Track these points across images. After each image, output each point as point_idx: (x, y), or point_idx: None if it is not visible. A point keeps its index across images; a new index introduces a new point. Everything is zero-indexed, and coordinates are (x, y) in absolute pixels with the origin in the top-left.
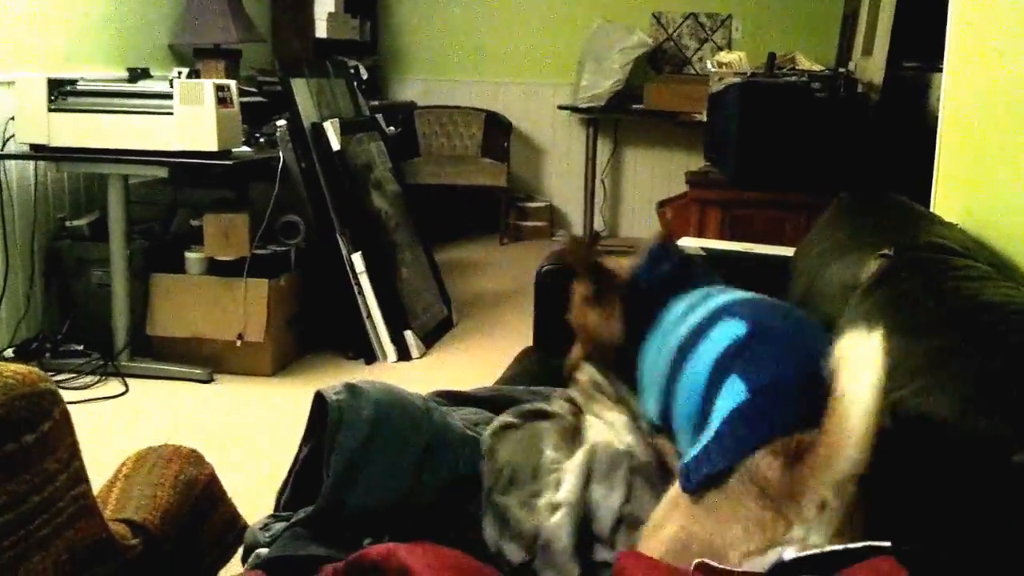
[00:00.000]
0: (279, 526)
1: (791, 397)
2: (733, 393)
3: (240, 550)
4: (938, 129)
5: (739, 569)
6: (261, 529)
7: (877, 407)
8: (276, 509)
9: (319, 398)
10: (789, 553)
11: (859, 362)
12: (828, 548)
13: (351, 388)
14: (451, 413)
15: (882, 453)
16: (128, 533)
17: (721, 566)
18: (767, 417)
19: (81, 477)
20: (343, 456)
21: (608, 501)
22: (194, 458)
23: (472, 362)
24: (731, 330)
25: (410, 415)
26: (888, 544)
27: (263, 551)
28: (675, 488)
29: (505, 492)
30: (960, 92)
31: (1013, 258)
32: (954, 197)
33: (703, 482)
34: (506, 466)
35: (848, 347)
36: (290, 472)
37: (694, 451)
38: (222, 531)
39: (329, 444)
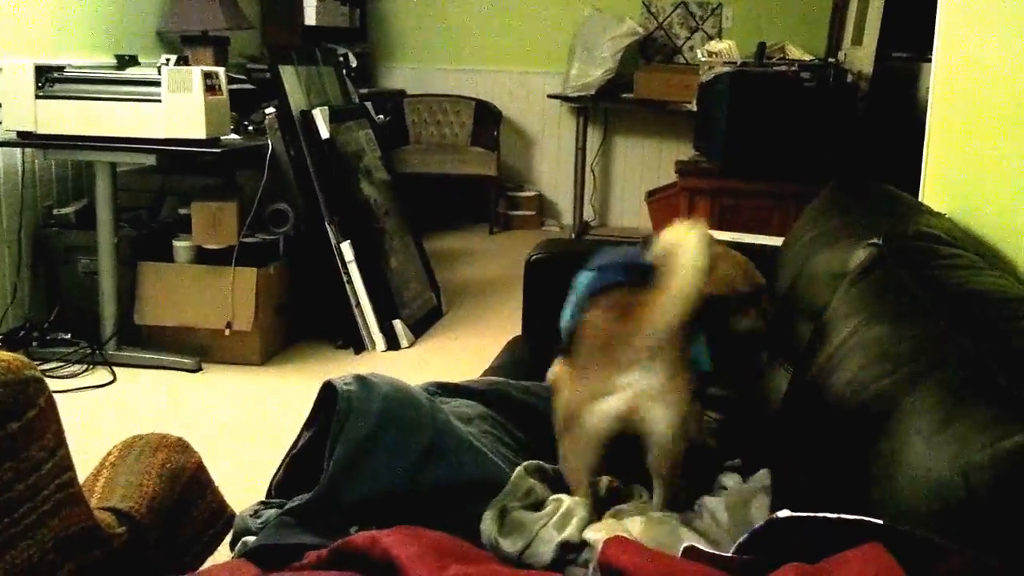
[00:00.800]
0: (270, 512)
1: (620, 269)
2: (583, 278)
3: (228, 538)
4: (927, 119)
5: (725, 553)
6: (252, 516)
7: (699, 277)
8: (268, 495)
9: (328, 387)
10: (783, 512)
11: (689, 245)
12: (820, 515)
13: (362, 380)
14: (446, 402)
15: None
16: (114, 521)
17: (708, 550)
18: (602, 279)
19: (67, 465)
20: (347, 447)
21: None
22: (181, 447)
23: (461, 351)
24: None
25: (416, 413)
26: (880, 522)
27: (250, 539)
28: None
29: (519, 502)
30: (949, 82)
31: (1000, 247)
32: (942, 187)
33: (565, 341)
34: (531, 488)
35: (677, 234)
36: (287, 457)
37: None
38: (209, 520)
39: (335, 433)
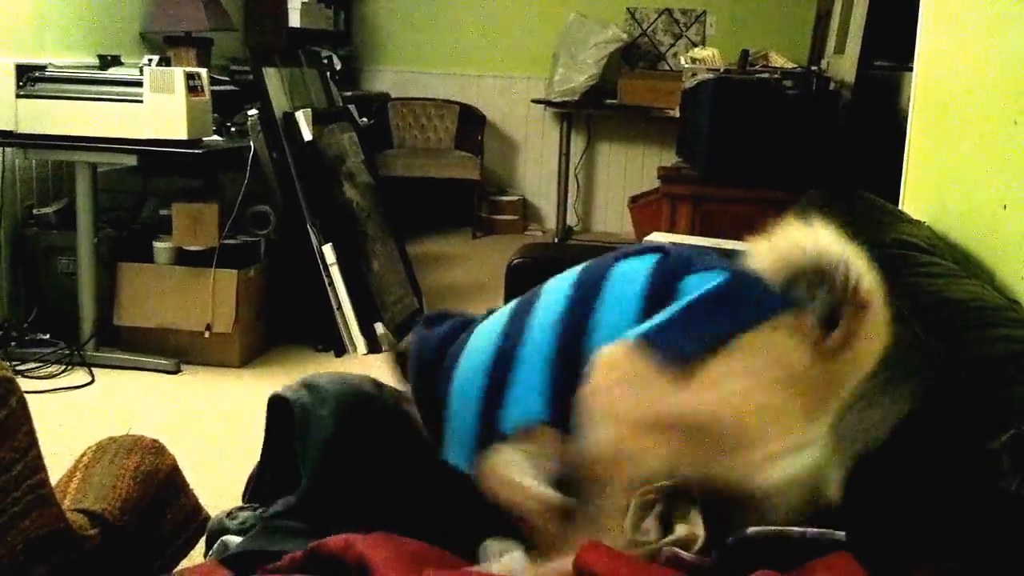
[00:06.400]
0: (246, 514)
1: (764, 286)
2: (707, 280)
3: (202, 541)
4: (907, 128)
5: (709, 560)
6: (228, 517)
7: None
8: (244, 499)
9: (277, 398)
10: (752, 529)
11: (864, 270)
12: (787, 529)
13: (309, 386)
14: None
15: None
16: (86, 523)
17: (689, 557)
18: (757, 297)
19: (38, 467)
20: (316, 453)
21: None
22: (155, 449)
23: None
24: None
25: (369, 405)
26: (843, 534)
27: (229, 539)
28: (632, 364)
29: None
30: (929, 92)
31: (978, 256)
32: (922, 195)
33: (699, 352)
34: None
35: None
36: (250, 478)
37: (661, 319)
38: (183, 522)
39: (300, 444)
